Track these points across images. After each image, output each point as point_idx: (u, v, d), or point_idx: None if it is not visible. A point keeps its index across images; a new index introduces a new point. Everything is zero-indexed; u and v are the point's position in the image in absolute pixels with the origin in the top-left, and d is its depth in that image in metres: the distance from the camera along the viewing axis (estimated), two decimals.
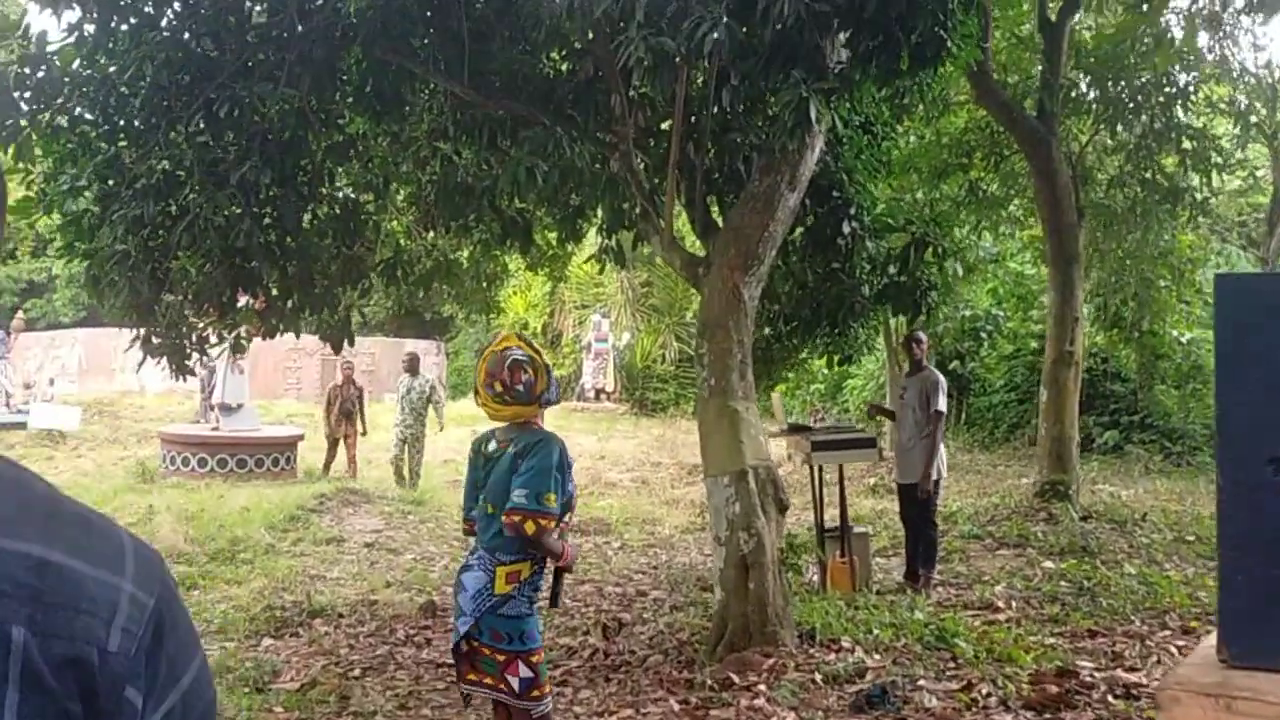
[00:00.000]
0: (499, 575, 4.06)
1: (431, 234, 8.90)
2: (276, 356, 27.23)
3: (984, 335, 20.74)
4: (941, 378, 8.39)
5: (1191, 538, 10.54)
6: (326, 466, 14.85)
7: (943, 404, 8.29)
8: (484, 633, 4.05)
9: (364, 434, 14.96)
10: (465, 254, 10.88)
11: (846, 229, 7.37)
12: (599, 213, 8.68)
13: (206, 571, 9.21)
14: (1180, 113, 11.73)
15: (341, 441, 14.74)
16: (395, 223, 8.98)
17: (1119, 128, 11.41)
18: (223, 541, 10.12)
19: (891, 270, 7.57)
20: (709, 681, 5.88)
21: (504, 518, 3.96)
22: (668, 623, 7.40)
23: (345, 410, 14.63)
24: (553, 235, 10.90)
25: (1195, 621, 7.35)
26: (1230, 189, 18.07)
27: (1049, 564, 9.40)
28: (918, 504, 8.45)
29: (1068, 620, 7.46)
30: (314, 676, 6.13)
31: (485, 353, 4.33)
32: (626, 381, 26.64)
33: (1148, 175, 11.56)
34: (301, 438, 15.30)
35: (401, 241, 8.47)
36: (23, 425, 17.29)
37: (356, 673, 6.50)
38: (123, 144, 6.15)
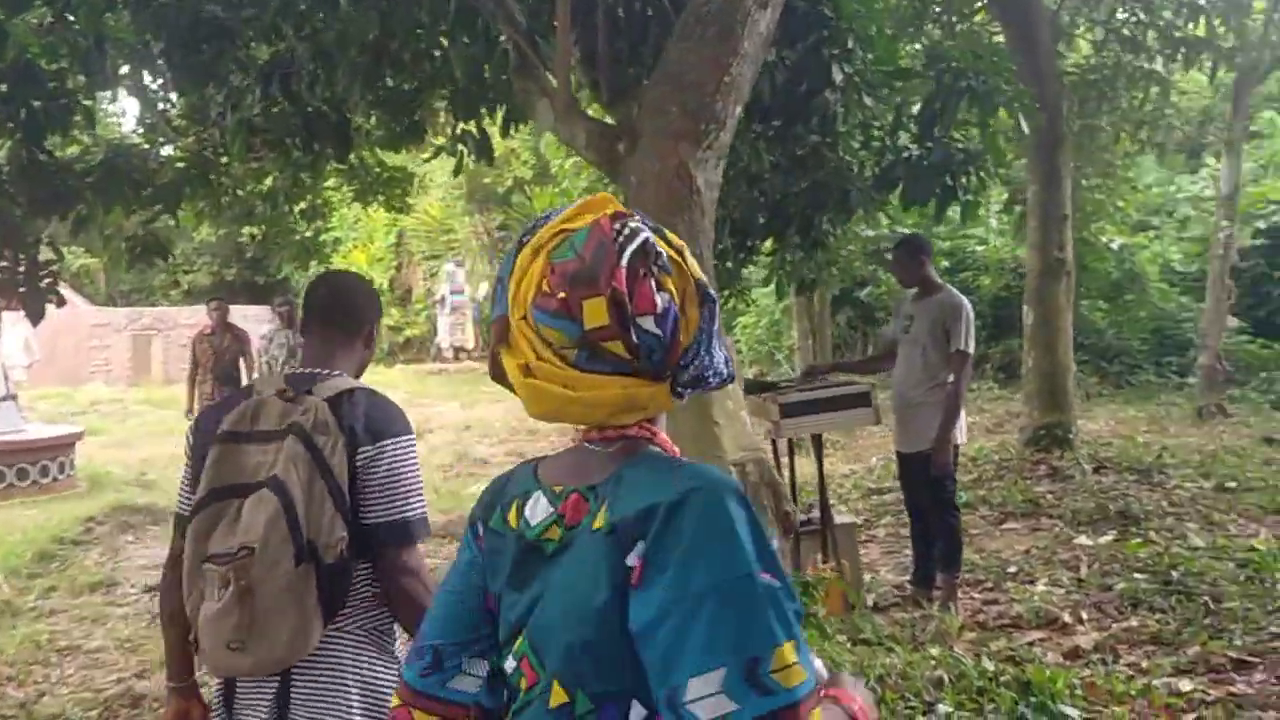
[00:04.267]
0: None
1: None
2: (79, 334, 23.46)
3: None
4: (966, 303, 5.82)
5: (1232, 484, 8.35)
6: None
7: (969, 340, 5.76)
8: None
9: None
10: (270, 179, 7.93)
11: (838, 77, 4.69)
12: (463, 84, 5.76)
13: None
14: None
15: None
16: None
17: None
18: None
19: (905, 139, 4.94)
20: None
21: None
22: None
23: (224, 372, 9.83)
24: (389, 151, 8.05)
25: None
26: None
27: (1085, 540, 7.06)
28: (930, 481, 5.93)
29: (1182, 641, 5.08)
30: None
31: (524, 246, 1.46)
32: (489, 337, 23.70)
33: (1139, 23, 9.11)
34: (81, 436, 11.97)
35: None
36: None
37: None
38: None
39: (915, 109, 4.98)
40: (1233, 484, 8.33)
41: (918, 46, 7.86)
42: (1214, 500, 7.88)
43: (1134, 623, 5.43)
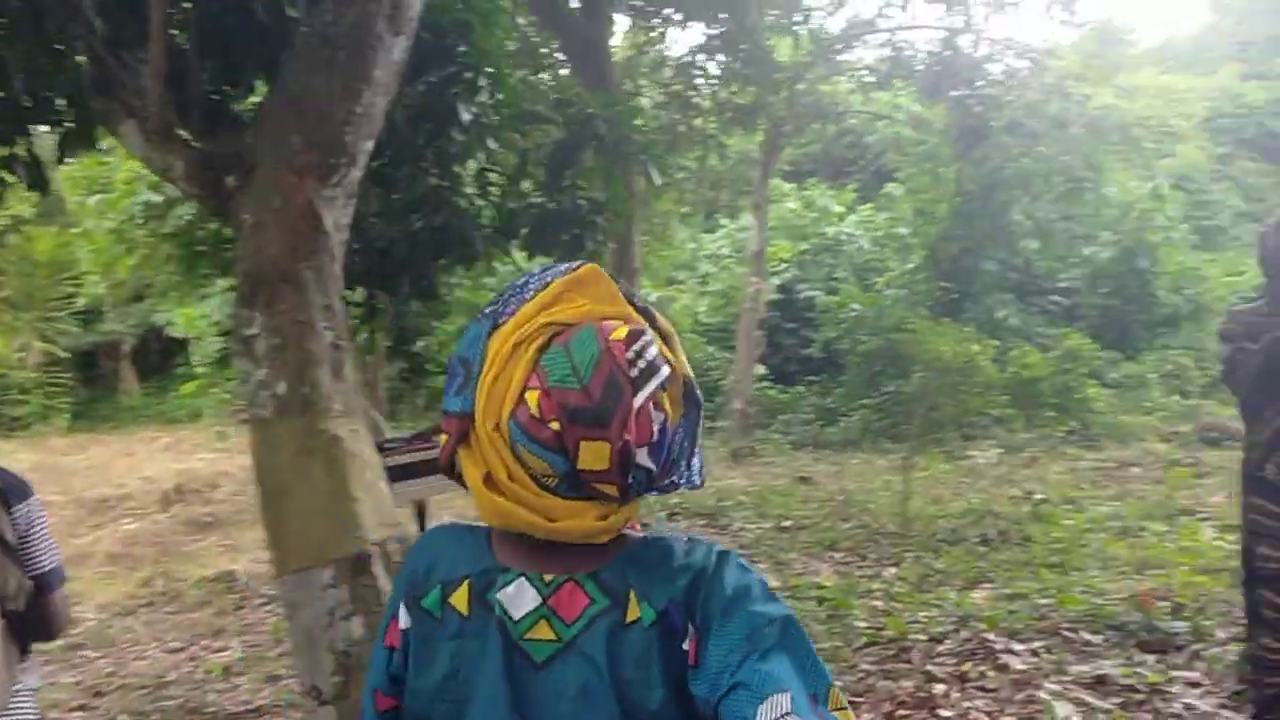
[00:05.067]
0: None
1: None
2: None
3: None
4: None
5: (787, 522, 8.96)
6: None
7: None
8: None
9: None
10: None
11: (466, 116, 4.40)
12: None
13: None
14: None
15: None
16: None
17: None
18: None
19: (528, 187, 4.74)
20: None
21: None
22: None
23: None
24: None
25: (928, 642, 5.52)
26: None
27: None
28: None
29: None
30: None
31: (497, 328, 1.21)
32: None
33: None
34: None
35: None
36: None
37: None
38: None
39: (540, 154, 4.80)
40: (788, 523, 8.93)
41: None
42: (776, 539, 8.38)
43: None
